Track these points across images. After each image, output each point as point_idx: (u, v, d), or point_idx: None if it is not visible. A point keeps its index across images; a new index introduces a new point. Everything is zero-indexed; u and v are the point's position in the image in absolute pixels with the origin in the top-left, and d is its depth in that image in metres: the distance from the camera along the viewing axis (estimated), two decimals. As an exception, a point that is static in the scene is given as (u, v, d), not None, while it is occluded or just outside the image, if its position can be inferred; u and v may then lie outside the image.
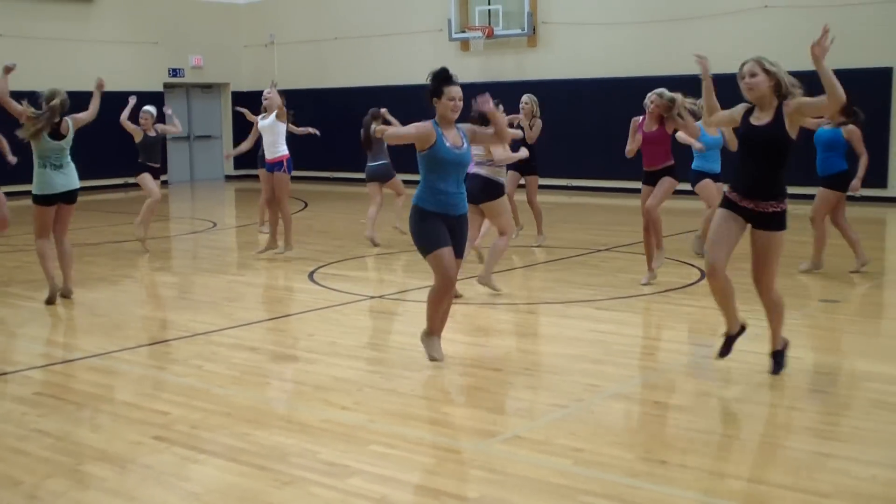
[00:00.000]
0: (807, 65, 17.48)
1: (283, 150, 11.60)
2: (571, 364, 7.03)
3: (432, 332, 6.82)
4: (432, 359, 6.75)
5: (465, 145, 6.62)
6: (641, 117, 9.70)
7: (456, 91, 6.58)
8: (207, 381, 6.60)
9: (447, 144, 6.51)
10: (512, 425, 5.57)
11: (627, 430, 5.51)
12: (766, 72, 6.00)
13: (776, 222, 5.97)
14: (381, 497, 4.50)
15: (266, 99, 11.68)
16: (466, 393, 6.17)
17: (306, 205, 17.84)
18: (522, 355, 7.13)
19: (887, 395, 6.02)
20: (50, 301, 9.09)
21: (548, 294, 9.45)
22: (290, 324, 8.53)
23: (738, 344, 7.22)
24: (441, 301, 6.68)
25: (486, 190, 9.17)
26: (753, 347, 7.17)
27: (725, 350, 6.40)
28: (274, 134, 11.57)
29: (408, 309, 9.13)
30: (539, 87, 20.44)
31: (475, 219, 9.84)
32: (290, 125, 12.33)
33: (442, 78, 6.64)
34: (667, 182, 9.63)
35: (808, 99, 6.00)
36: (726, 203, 6.09)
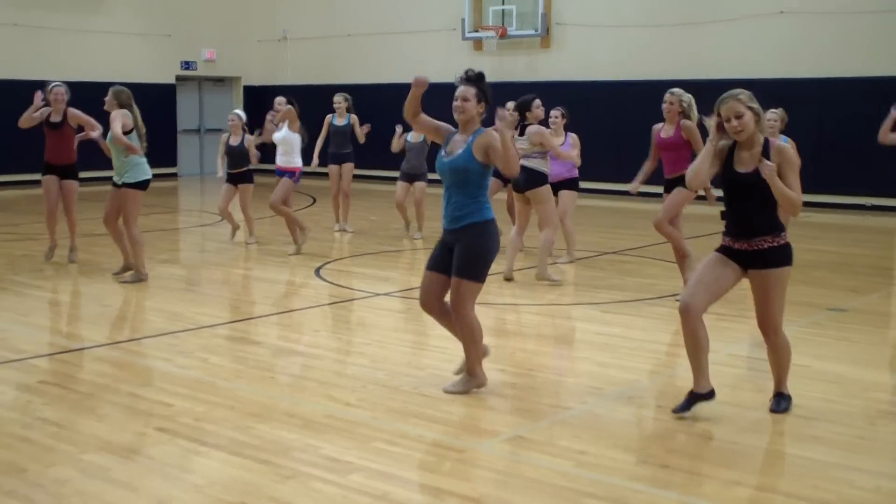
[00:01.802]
0: (823, 72, 17.61)
1: (298, 162, 11.66)
2: (576, 366, 7.03)
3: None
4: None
5: (460, 152, 5.90)
6: (661, 124, 9.26)
7: (458, 91, 6.02)
8: (212, 373, 6.61)
9: (442, 152, 6.02)
10: (515, 426, 5.56)
11: (630, 434, 5.50)
12: (750, 108, 5.42)
13: (774, 258, 5.49)
14: (382, 494, 4.50)
15: (277, 111, 11.78)
16: (470, 393, 6.16)
17: (315, 200, 17.84)
18: (527, 356, 7.12)
19: (893, 405, 6.01)
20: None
21: (553, 296, 9.44)
22: (296, 319, 8.54)
23: (744, 350, 7.22)
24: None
25: (529, 179, 9.59)
26: (762, 354, 7.16)
27: (685, 407, 5.66)
28: (288, 144, 11.63)
29: (413, 306, 9.12)
30: (551, 89, 20.45)
31: (523, 209, 9.98)
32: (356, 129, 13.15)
33: (460, 78, 6.12)
34: (678, 193, 8.97)
35: (793, 166, 5.46)
36: (720, 248, 5.65)
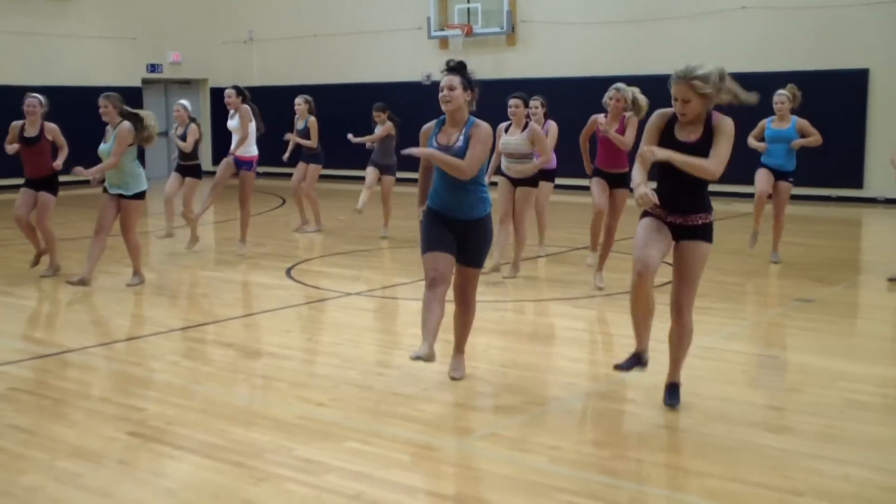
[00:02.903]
0: (783, 66, 17.73)
1: (254, 151, 11.66)
2: (548, 362, 7.06)
3: (423, 333, 5.99)
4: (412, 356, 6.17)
5: (458, 145, 5.90)
6: (602, 115, 9.50)
7: (444, 80, 5.96)
8: (183, 377, 6.58)
9: (434, 143, 6.01)
10: (488, 423, 5.58)
11: (603, 428, 5.52)
12: (700, 94, 5.29)
13: (703, 233, 5.50)
14: (356, 494, 4.50)
15: (228, 100, 11.75)
16: (443, 390, 6.17)
17: (284, 201, 17.79)
18: (499, 353, 7.14)
19: (860, 394, 6.07)
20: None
21: (526, 292, 9.46)
22: (267, 320, 8.51)
23: (716, 342, 7.27)
24: (429, 303, 5.97)
25: (528, 177, 9.81)
26: (732, 346, 7.25)
27: (629, 365, 5.76)
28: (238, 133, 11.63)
29: (384, 305, 9.13)
30: (518, 86, 20.45)
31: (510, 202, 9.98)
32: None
33: (446, 68, 6.06)
34: (622, 196, 9.27)
35: (726, 136, 5.37)
36: (651, 215, 5.59)
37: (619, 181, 9.45)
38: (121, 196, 9.49)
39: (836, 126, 16.74)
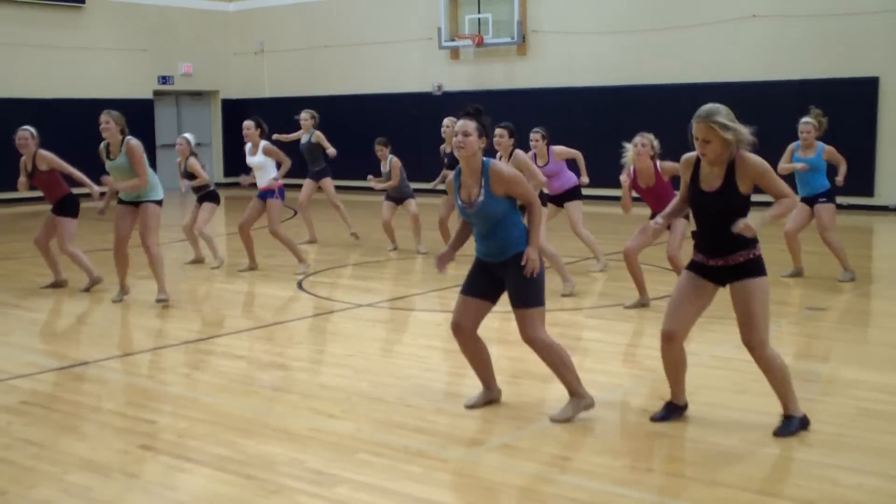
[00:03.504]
0: (794, 74, 17.64)
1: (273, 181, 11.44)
2: (559, 372, 7.03)
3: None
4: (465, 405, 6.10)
5: (480, 199, 5.66)
6: (632, 170, 8.94)
7: (459, 124, 5.71)
8: (195, 389, 6.59)
9: (459, 202, 5.78)
10: (499, 433, 5.57)
11: (615, 439, 5.51)
12: (721, 138, 5.18)
13: (751, 270, 5.33)
14: (367, 506, 4.49)
15: (246, 135, 11.38)
16: (454, 401, 6.17)
17: (295, 213, 17.81)
18: (510, 363, 7.13)
19: (873, 402, 6.04)
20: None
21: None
22: (278, 332, 8.52)
23: (726, 352, 7.25)
24: (463, 351, 6.01)
25: None
26: (740, 355, 7.20)
27: (663, 415, 5.71)
28: (261, 168, 11.31)
29: (395, 317, 9.13)
30: (528, 96, 20.57)
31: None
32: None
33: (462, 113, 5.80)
34: (681, 225, 8.86)
35: (768, 174, 5.27)
36: (693, 266, 5.51)
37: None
38: (137, 203, 9.45)
39: (846, 134, 16.68)
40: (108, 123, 9.33)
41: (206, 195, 12.12)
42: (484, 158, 5.73)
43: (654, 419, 5.69)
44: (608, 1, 19.82)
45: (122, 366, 7.34)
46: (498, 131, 9.52)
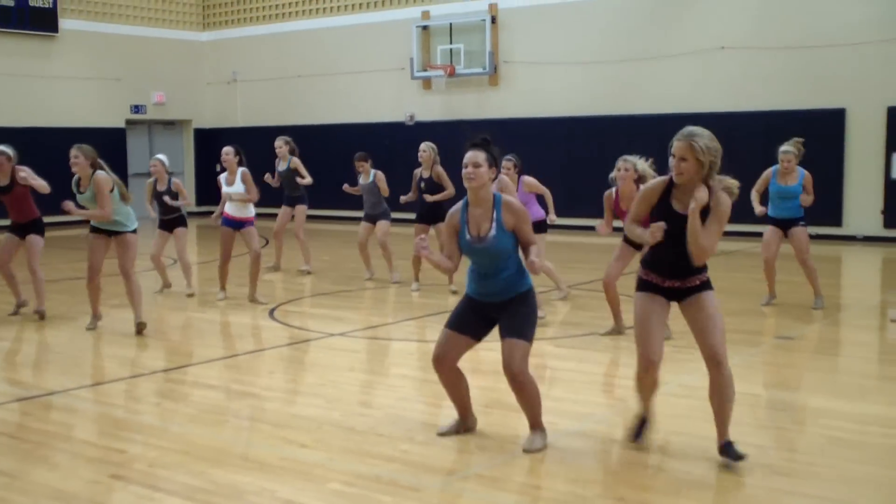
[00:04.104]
0: (763, 105, 17.81)
1: (252, 212, 11.40)
2: (531, 401, 7.05)
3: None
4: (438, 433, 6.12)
5: (492, 234, 5.60)
6: (614, 190, 9.03)
7: (468, 155, 5.60)
8: (165, 418, 6.56)
9: (467, 236, 5.68)
10: (471, 463, 5.58)
11: (585, 467, 5.52)
12: (697, 159, 5.21)
13: (704, 287, 5.43)
14: (339, 535, 4.48)
15: (225, 160, 11.36)
16: (426, 430, 6.17)
17: (267, 242, 17.79)
18: (481, 392, 7.13)
19: (842, 431, 6.09)
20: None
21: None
22: (250, 361, 8.50)
23: (696, 381, 7.30)
24: (437, 373, 5.98)
25: None
26: (706, 383, 7.28)
27: (639, 434, 5.81)
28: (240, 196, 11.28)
29: (368, 347, 9.13)
30: (500, 126, 20.68)
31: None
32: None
33: (469, 143, 5.71)
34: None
35: (723, 221, 5.32)
36: (646, 286, 5.53)
37: None
38: (113, 233, 9.43)
39: (814, 165, 16.75)
40: (78, 158, 9.28)
41: (177, 220, 12.06)
42: (495, 193, 5.68)
43: (635, 439, 5.75)
44: (579, 32, 20.01)
45: (92, 395, 7.30)
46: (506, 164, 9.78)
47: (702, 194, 5.20)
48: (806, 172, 10.43)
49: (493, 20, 20.92)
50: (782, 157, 10.36)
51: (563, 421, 6.40)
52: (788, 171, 10.34)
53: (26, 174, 10.07)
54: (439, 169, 11.79)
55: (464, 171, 5.58)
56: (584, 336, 9.22)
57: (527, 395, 5.74)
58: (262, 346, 9.09)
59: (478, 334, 5.86)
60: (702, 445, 5.81)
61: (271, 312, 10.59)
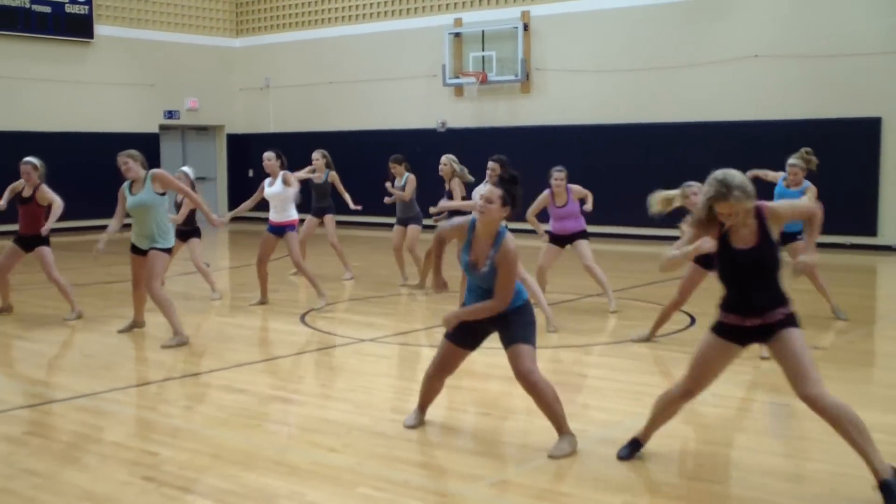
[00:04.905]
0: (796, 114, 17.69)
1: (294, 215, 11.35)
2: (560, 409, 7.04)
3: (419, 401, 6.43)
4: (405, 424, 6.38)
5: (484, 270, 5.74)
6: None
7: (485, 191, 5.73)
8: (196, 422, 6.60)
9: (466, 257, 5.83)
10: (499, 469, 5.58)
11: (613, 475, 5.51)
12: (744, 206, 5.03)
13: (789, 322, 5.15)
14: (367, 540, 4.49)
15: (267, 165, 11.40)
16: (454, 436, 6.18)
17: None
18: (511, 399, 7.14)
19: (875, 442, 6.03)
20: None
21: (538, 339, 9.45)
22: (280, 366, 8.54)
23: (728, 390, 7.27)
24: (426, 380, 6.26)
25: None
26: (743, 394, 7.24)
27: (631, 453, 5.71)
28: (280, 199, 11.30)
29: (397, 352, 9.15)
30: (531, 133, 20.70)
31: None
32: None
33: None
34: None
35: (785, 206, 5.33)
36: (722, 329, 5.30)
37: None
38: (151, 249, 9.27)
39: (849, 174, 16.80)
40: (128, 164, 9.17)
41: (193, 231, 12.10)
42: (502, 227, 5.75)
43: (624, 457, 5.67)
44: (611, 40, 19.98)
45: (124, 398, 7.36)
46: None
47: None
48: (810, 185, 10.26)
49: (526, 27, 20.93)
50: (789, 170, 10.21)
51: (592, 428, 6.38)
52: (795, 183, 10.19)
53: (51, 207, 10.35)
54: (454, 183, 11.74)
55: (478, 203, 5.71)
56: (615, 344, 9.19)
57: (543, 397, 5.78)
58: (293, 351, 9.13)
59: (474, 345, 6.10)
60: (731, 455, 5.79)
61: (302, 317, 10.64)
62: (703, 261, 8.45)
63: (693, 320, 10.07)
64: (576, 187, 10.98)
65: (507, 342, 5.81)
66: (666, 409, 5.60)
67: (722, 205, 5.01)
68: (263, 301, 11.51)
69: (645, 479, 5.42)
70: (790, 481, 5.32)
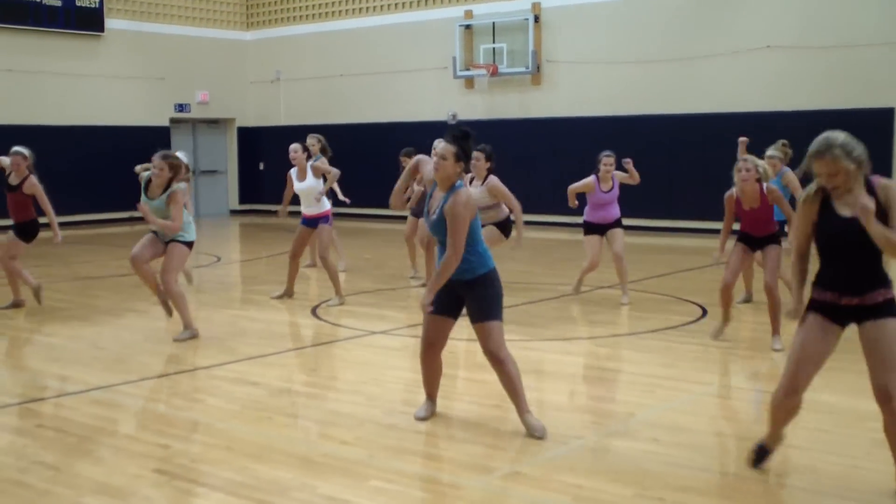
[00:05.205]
0: (809, 105, 17.68)
1: (326, 205, 11.30)
2: (572, 401, 7.05)
3: (425, 392, 6.46)
4: (416, 417, 6.39)
5: (433, 218, 5.93)
6: (734, 191, 8.42)
7: (439, 146, 5.91)
8: (209, 415, 6.61)
9: (426, 205, 6.08)
10: (511, 461, 5.58)
11: (627, 467, 5.50)
12: (846, 165, 4.72)
13: (889, 310, 4.80)
14: (379, 532, 4.50)
15: (294, 158, 11.31)
16: (466, 428, 6.18)
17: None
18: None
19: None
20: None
21: (549, 331, 9.46)
22: (292, 358, 8.55)
23: (740, 382, 7.26)
24: (423, 362, 6.33)
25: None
26: (755, 385, 7.23)
27: (760, 460, 5.36)
28: (310, 193, 11.22)
29: (408, 344, 9.14)
30: (543, 125, 20.66)
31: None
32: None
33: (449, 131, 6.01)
34: (774, 250, 8.49)
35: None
36: (819, 306, 4.96)
37: (769, 240, 8.55)
38: (174, 240, 9.15)
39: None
40: (163, 171, 8.92)
41: None
42: (458, 183, 5.88)
43: (756, 465, 5.33)
44: (623, 31, 19.92)
45: (137, 390, 7.38)
46: (475, 154, 9.61)
47: (866, 201, 4.63)
48: (787, 170, 10.20)
49: (536, 19, 20.88)
50: (768, 161, 9.99)
51: (606, 420, 6.38)
52: (773, 173, 10.08)
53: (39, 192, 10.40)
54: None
55: (434, 158, 5.89)
56: (626, 336, 9.18)
57: (509, 375, 5.98)
58: (305, 344, 9.14)
59: (454, 312, 6.14)
60: (743, 447, 5.76)
61: (313, 310, 10.65)
62: (751, 246, 8.44)
63: (705, 312, 10.05)
64: (620, 173, 11.05)
65: (475, 318, 5.97)
66: (777, 412, 5.21)
67: (820, 163, 4.75)
68: (289, 295, 11.45)
69: (657, 471, 5.40)
70: (804, 473, 5.31)
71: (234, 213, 25.91)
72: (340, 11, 24.43)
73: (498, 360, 5.95)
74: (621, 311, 10.49)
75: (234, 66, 25.69)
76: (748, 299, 10.54)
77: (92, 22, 22.54)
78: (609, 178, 10.86)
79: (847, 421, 6.38)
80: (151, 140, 19.59)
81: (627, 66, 19.79)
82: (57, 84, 21.97)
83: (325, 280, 12.73)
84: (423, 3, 22.91)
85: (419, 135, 22.27)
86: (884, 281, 4.84)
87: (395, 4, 23.39)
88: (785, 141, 10.57)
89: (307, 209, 11.24)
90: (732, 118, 18.22)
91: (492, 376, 7.41)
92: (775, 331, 8.41)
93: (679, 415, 6.53)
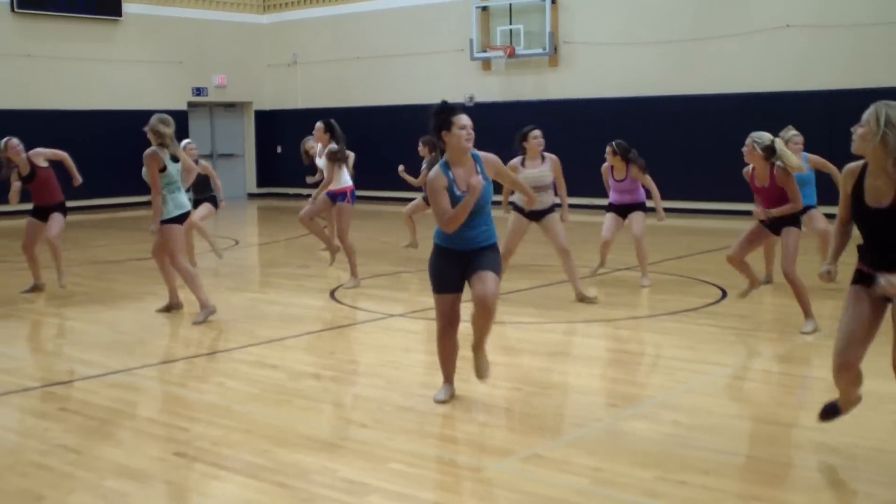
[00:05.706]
0: (825, 84, 17.49)
1: (348, 181, 11.31)
2: (591, 383, 7.04)
3: (443, 375, 6.48)
4: (435, 400, 6.41)
5: (484, 177, 6.03)
6: (751, 167, 8.35)
7: (466, 119, 6.03)
8: (228, 398, 6.64)
9: (457, 192, 5.99)
10: (531, 444, 5.57)
11: (647, 450, 5.49)
12: (874, 128, 4.62)
13: None
14: (400, 515, 4.51)
15: (317, 135, 11.37)
16: (485, 411, 6.18)
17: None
18: (542, 374, 7.13)
19: (909, 416, 5.99)
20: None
21: (568, 313, 9.44)
22: (311, 342, 8.57)
23: (763, 364, 7.23)
24: (442, 344, 6.36)
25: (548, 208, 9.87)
26: (779, 368, 7.21)
27: (828, 416, 5.36)
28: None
29: (427, 327, 9.14)
30: (560, 107, 20.57)
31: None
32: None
33: (448, 109, 6.06)
34: (793, 233, 8.30)
35: None
36: (861, 277, 4.92)
37: (787, 222, 8.33)
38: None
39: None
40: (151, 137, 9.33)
41: (210, 198, 12.49)
42: (472, 152, 6.09)
43: (824, 419, 5.36)
44: (640, 12, 19.80)
45: (156, 374, 7.41)
46: (534, 133, 9.84)
47: (884, 281, 4.65)
48: (807, 155, 10.12)
49: (553, 0, 20.78)
50: (792, 141, 9.74)
51: (624, 403, 6.37)
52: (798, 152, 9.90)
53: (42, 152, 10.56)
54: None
55: (461, 132, 5.98)
56: (644, 318, 9.16)
57: (489, 321, 6.13)
58: (324, 327, 9.15)
59: (460, 287, 6.22)
60: (765, 429, 5.75)
61: (332, 293, 10.66)
62: (771, 226, 8.37)
63: (724, 293, 10.01)
64: (635, 170, 10.90)
65: (478, 267, 6.05)
66: (838, 383, 5.15)
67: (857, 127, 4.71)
68: (330, 251, 12.01)
69: (678, 453, 5.38)
70: (828, 456, 5.28)
71: (251, 196, 25.95)
72: (357, -6, 24.39)
73: (488, 308, 6.02)
74: (641, 293, 10.46)
75: (251, 50, 25.69)
76: (768, 280, 10.48)
77: (110, 6, 22.57)
78: (623, 168, 10.77)
79: (869, 403, 6.32)
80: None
81: (644, 47, 19.68)
82: (75, 69, 22.02)
83: (344, 262, 12.75)
84: (440, -16, 22.83)
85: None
86: None
87: (412, -14, 23.32)
88: (791, 126, 10.33)
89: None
90: (751, 98, 18.11)
91: (512, 359, 7.42)
92: (807, 314, 8.32)
93: (699, 397, 6.50)
